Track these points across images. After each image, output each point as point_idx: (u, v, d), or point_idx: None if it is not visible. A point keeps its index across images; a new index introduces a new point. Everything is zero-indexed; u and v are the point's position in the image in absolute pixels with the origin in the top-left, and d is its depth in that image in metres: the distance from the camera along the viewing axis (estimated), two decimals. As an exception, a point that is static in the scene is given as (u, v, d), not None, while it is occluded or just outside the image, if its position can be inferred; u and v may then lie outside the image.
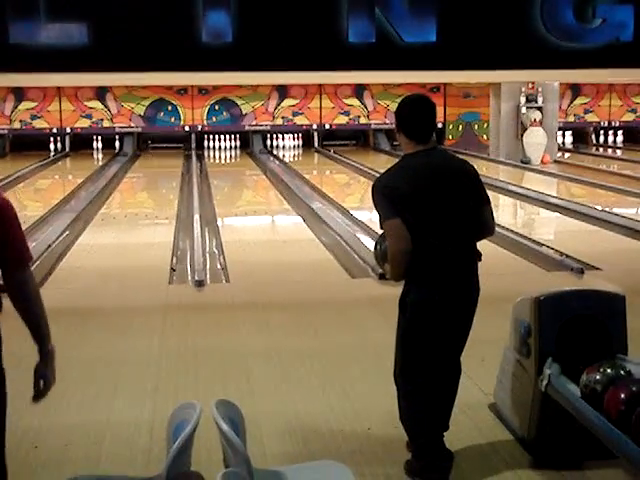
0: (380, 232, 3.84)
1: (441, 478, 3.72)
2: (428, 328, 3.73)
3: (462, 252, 3.77)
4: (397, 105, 3.82)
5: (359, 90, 23.55)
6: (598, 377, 3.58)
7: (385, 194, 3.66)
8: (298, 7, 7.15)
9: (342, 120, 23.76)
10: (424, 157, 3.73)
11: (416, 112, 3.76)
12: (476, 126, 23.79)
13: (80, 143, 22.92)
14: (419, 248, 3.63)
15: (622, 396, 3.38)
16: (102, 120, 22.94)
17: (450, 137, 24.02)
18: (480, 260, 3.86)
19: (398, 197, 3.62)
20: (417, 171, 3.70)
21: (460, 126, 23.96)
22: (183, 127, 23.13)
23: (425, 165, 3.72)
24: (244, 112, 23.24)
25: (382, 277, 7.59)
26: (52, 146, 22.72)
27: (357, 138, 24.22)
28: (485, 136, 22.66)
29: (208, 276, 8.10)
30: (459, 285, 3.76)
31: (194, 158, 20.67)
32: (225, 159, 22.40)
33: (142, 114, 23.00)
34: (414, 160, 3.74)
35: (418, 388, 3.77)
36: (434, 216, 3.66)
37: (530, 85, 19.44)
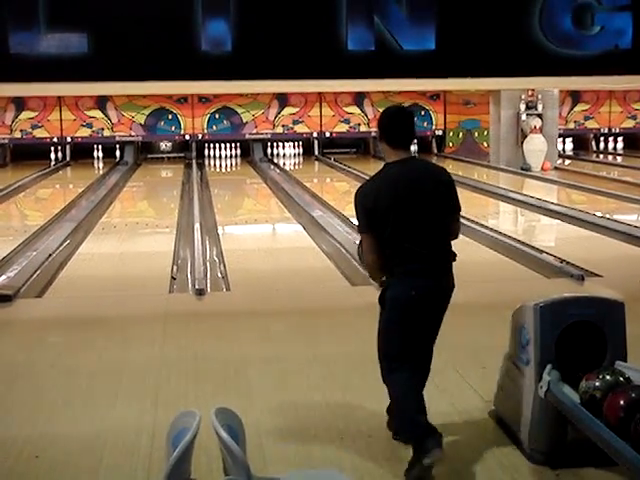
0: None
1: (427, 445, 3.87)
2: (404, 320, 4.09)
3: (436, 254, 4.06)
4: (379, 116, 4.15)
5: (359, 98, 23.57)
6: (597, 384, 3.58)
7: (363, 205, 4.01)
8: (297, 16, 7.17)
9: (342, 128, 23.78)
10: (404, 166, 4.02)
11: (396, 121, 4.08)
12: (476, 133, 23.79)
13: (81, 152, 22.94)
14: (396, 251, 3.99)
15: (621, 403, 3.39)
16: (102, 129, 22.96)
17: (450, 144, 24.03)
18: (454, 260, 4.13)
19: (375, 209, 3.95)
20: (397, 180, 3.99)
21: (460, 133, 23.97)
22: (183, 136, 23.16)
23: (405, 174, 4.00)
24: (244, 120, 23.26)
25: (382, 285, 7.58)
26: (53, 155, 22.74)
27: (357, 146, 24.23)
28: (485, 143, 22.66)
29: (209, 284, 8.10)
30: (433, 283, 4.05)
31: (194, 167, 20.68)
32: (226, 167, 22.41)
33: (143, 123, 23.03)
34: (395, 168, 4.02)
35: (396, 372, 4.17)
36: (411, 222, 3.98)
37: (530, 92, 19.46)
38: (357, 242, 4.30)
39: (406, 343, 4.12)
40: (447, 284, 4.11)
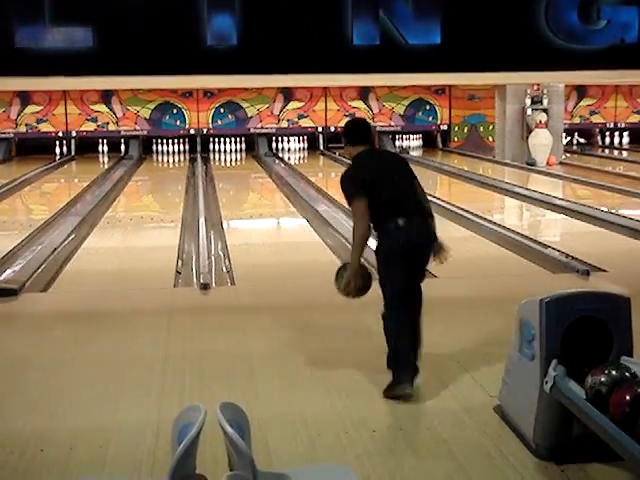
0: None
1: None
2: (396, 264, 4.94)
3: (415, 210, 4.97)
4: (344, 126, 5.24)
5: (364, 92, 23.55)
6: (603, 379, 3.58)
7: (353, 182, 5.00)
8: (302, 10, 7.16)
9: (348, 122, 23.71)
10: (370, 154, 5.16)
11: (356, 125, 5.28)
12: (481, 128, 23.75)
13: (85, 146, 22.95)
14: (384, 213, 4.92)
15: (627, 398, 3.38)
16: (107, 123, 22.98)
17: (455, 139, 24.00)
18: (431, 215, 5.06)
19: (363, 183, 4.92)
20: (371, 163, 5.08)
21: (465, 128, 23.93)
22: (188, 130, 23.16)
23: (374, 157, 5.20)
24: (249, 115, 23.25)
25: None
26: (58, 150, 22.77)
27: None
28: (490, 138, 22.63)
29: (213, 279, 8.10)
30: (415, 233, 4.91)
31: (199, 161, 20.69)
32: (230, 162, 22.42)
33: (148, 117, 23.03)
34: (364, 157, 5.10)
35: (396, 310, 4.99)
36: (392, 190, 4.94)
37: (535, 87, 19.42)
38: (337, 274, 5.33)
39: (404, 281, 4.94)
40: (428, 234, 5.00)
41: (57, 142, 22.83)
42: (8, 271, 8.28)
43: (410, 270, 4.94)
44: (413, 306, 5.01)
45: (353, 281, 5.13)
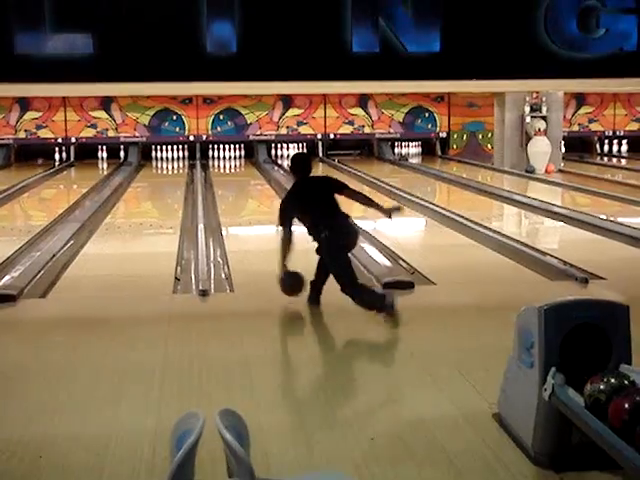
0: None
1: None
2: (334, 251, 6.68)
3: (335, 216, 6.77)
4: (291, 159, 7.12)
5: (363, 100, 23.58)
6: (602, 387, 3.58)
7: (285, 208, 6.84)
8: (302, 17, 7.17)
9: (346, 130, 23.79)
10: (305, 181, 6.94)
11: (300, 162, 7.05)
12: (480, 135, 23.80)
13: (85, 153, 22.98)
14: (314, 222, 6.73)
15: (626, 406, 3.39)
16: (107, 130, 23.01)
17: (454, 147, 24.03)
18: (349, 217, 6.80)
19: (293, 208, 6.80)
20: (303, 188, 6.91)
21: (464, 135, 23.97)
22: (188, 137, 23.19)
23: (307, 184, 6.94)
24: (248, 122, 23.28)
25: (386, 286, 7.59)
26: (57, 156, 22.79)
27: (362, 148, 24.18)
28: (489, 145, 22.67)
29: (212, 285, 8.10)
30: (339, 229, 6.69)
31: (198, 168, 20.71)
32: (230, 169, 22.43)
33: (147, 124, 23.06)
34: (300, 184, 6.93)
35: (356, 285, 6.66)
36: (316, 206, 6.76)
37: (534, 95, 19.46)
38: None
39: (350, 266, 6.70)
40: (350, 229, 6.76)
41: (57, 148, 22.85)
42: (7, 277, 8.27)
43: (345, 258, 6.67)
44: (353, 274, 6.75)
45: (281, 282, 6.89)
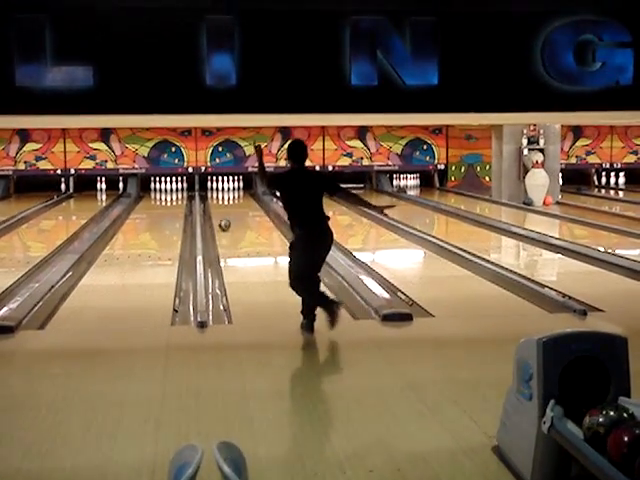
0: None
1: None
2: (303, 250, 7.04)
3: (315, 216, 7.12)
4: (288, 147, 7.36)
5: (362, 132, 23.70)
6: (601, 419, 3.57)
7: (272, 182, 7.66)
8: (301, 51, 7.23)
9: (345, 162, 23.88)
10: (300, 172, 7.23)
11: (297, 149, 7.29)
12: (478, 168, 23.88)
13: (84, 184, 23.05)
14: (293, 215, 7.15)
15: (625, 439, 3.38)
16: (106, 161, 23.09)
17: (452, 178, 24.11)
18: (329, 219, 7.19)
19: (278, 187, 7.44)
20: (297, 178, 7.17)
21: (462, 168, 24.06)
22: (187, 168, 23.26)
23: (301, 175, 7.21)
24: (247, 154, 23.37)
25: (384, 319, 7.59)
26: (63, 187, 22.87)
27: (364, 182, 24.19)
28: (487, 178, 22.75)
29: (211, 317, 8.09)
30: (315, 229, 7.09)
31: (197, 199, 20.76)
32: (228, 200, 22.48)
33: (146, 155, 23.14)
34: (295, 173, 7.21)
35: (307, 281, 7.10)
36: (300, 198, 7.08)
37: (532, 127, 19.57)
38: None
39: (304, 265, 7.08)
40: (325, 231, 7.14)
41: (56, 180, 22.92)
42: (5, 308, 8.26)
43: (309, 259, 7.05)
44: (311, 279, 7.14)
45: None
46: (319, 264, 7.27)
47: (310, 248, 7.04)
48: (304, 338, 7.12)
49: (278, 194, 7.48)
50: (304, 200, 7.11)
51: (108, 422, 5.12)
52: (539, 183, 19.37)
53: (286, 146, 7.45)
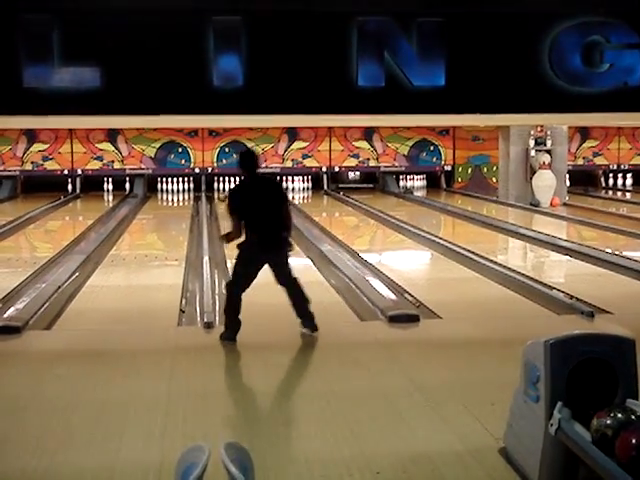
0: None
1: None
2: (247, 259, 7.02)
3: (270, 225, 7.00)
4: (239, 155, 7.26)
5: (368, 133, 23.69)
6: (609, 422, 3.56)
7: (232, 197, 7.09)
8: (308, 52, 7.23)
9: (351, 163, 23.89)
10: (253, 180, 7.13)
11: (249, 157, 7.20)
12: (485, 169, 23.86)
13: (91, 185, 23.09)
14: (252, 221, 6.92)
15: (633, 441, 3.36)
16: (113, 162, 23.12)
17: (459, 180, 24.09)
18: (287, 231, 7.13)
19: (239, 200, 7.02)
20: (249, 186, 7.11)
21: (469, 169, 24.04)
22: (193, 169, 23.29)
23: (253, 183, 7.11)
24: (254, 154, 23.34)
25: (391, 320, 7.58)
26: (70, 187, 22.90)
27: (373, 182, 24.22)
28: (494, 179, 22.72)
29: (217, 318, 8.07)
30: (268, 240, 6.97)
31: (204, 200, 20.77)
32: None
33: (153, 156, 23.17)
34: (248, 182, 7.14)
35: (237, 287, 7.07)
36: (255, 208, 6.95)
37: (539, 128, 19.54)
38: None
39: (245, 276, 7.07)
40: (280, 242, 7.03)
41: (63, 180, 22.95)
42: (12, 309, 8.27)
43: (253, 271, 7.01)
44: (245, 288, 7.06)
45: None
46: (275, 272, 7.14)
47: (256, 258, 6.97)
48: (311, 339, 7.11)
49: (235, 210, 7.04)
50: (267, 207, 7.02)
51: (115, 422, 5.13)
52: (546, 184, 19.34)
53: (237, 156, 7.45)
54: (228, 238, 7.11)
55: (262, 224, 6.96)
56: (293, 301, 7.19)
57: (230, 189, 7.35)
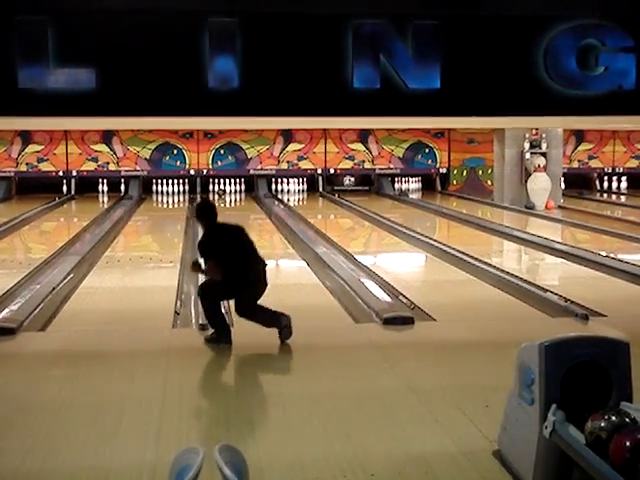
0: None
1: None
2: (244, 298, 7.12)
3: (254, 265, 7.15)
4: (198, 208, 7.43)
5: (364, 135, 23.71)
6: (603, 424, 3.56)
7: (207, 246, 7.14)
8: (304, 54, 7.22)
9: (347, 165, 23.90)
10: (218, 227, 7.24)
11: (207, 208, 7.33)
12: (480, 171, 23.88)
13: (86, 186, 23.06)
14: (234, 267, 6.98)
15: (627, 444, 3.37)
16: (108, 163, 23.10)
17: (454, 182, 24.11)
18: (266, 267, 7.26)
19: (213, 248, 7.08)
20: (218, 233, 7.21)
21: (464, 171, 24.06)
22: (188, 171, 23.28)
23: (220, 230, 7.24)
24: (249, 156, 23.39)
25: (386, 322, 7.59)
26: (65, 188, 22.88)
27: (369, 184, 24.24)
28: (489, 181, 22.75)
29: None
30: (253, 280, 7.14)
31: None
32: (230, 203, 22.49)
33: (148, 157, 23.15)
34: (215, 229, 7.21)
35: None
36: (227, 251, 7.02)
37: (534, 131, 19.56)
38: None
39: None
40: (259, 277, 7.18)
41: (58, 182, 22.93)
42: (6, 310, 8.26)
43: (226, 294, 7.20)
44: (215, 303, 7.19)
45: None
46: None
47: (249, 297, 7.09)
48: (306, 341, 7.11)
49: (203, 260, 7.21)
50: (241, 249, 7.13)
51: (109, 424, 5.12)
52: (541, 187, 19.37)
53: (195, 207, 7.62)
54: (204, 271, 7.23)
55: (243, 262, 7.07)
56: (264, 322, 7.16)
57: (199, 242, 7.34)
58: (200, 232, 7.67)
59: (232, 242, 7.16)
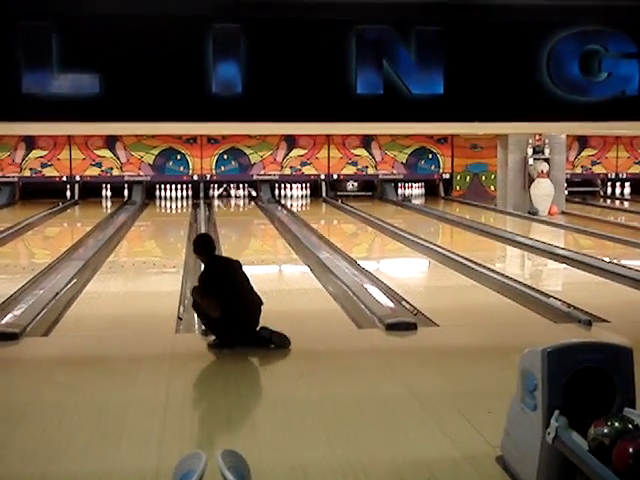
0: None
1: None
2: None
3: (249, 300, 7.14)
4: (195, 243, 7.39)
5: (367, 140, 23.71)
6: (606, 430, 3.56)
7: (205, 282, 7.07)
8: (307, 59, 7.24)
9: (350, 170, 23.91)
10: (217, 260, 7.42)
11: (205, 242, 7.36)
12: (483, 177, 23.88)
13: (89, 191, 23.09)
14: (231, 300, 6.94)
15: (630, 450, 3.37)
16: (111, 169, 23.13)
17: (457, 188, 24.11)
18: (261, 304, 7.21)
19: (210, 284, 7.03)
20: (215, 268, 7.21)
21: (467, 177, 24.06)
22: (192, 176, 23.30)
23: (218, 264, 7.31)
24: (252, 162, 23.40)
25: (389, 328, 7.58)
26: (68, 194, 22.90)
27: (371, 190, 24.25)
28: (492, 187, 22.74)
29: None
30: (249, 313, 7.09)
31: (202, 207, 20.78)
32: (233, 208, 22.50)
33: (151, 163, 23.18)
34: (213, 264, 7.26)
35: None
36: (226, 287, 7.00)
37: (537, 137, 19.56)
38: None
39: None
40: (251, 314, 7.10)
41: (62, 187, 22.96)
42: (9, 315, 8.27)
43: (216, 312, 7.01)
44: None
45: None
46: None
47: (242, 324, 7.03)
48: (308, 346, 7.11)
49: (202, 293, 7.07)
50: (241, 282, 7.15)
51: (112, 429, 5.12)
52: (544, 193, 19.35)
53: (193, 241, 7.58)
54: (205, 306, 7.04)
55: (241, 300, 7.02)
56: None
57: (199, 277, 7.34)
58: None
59: (229, 280, 7.11)
